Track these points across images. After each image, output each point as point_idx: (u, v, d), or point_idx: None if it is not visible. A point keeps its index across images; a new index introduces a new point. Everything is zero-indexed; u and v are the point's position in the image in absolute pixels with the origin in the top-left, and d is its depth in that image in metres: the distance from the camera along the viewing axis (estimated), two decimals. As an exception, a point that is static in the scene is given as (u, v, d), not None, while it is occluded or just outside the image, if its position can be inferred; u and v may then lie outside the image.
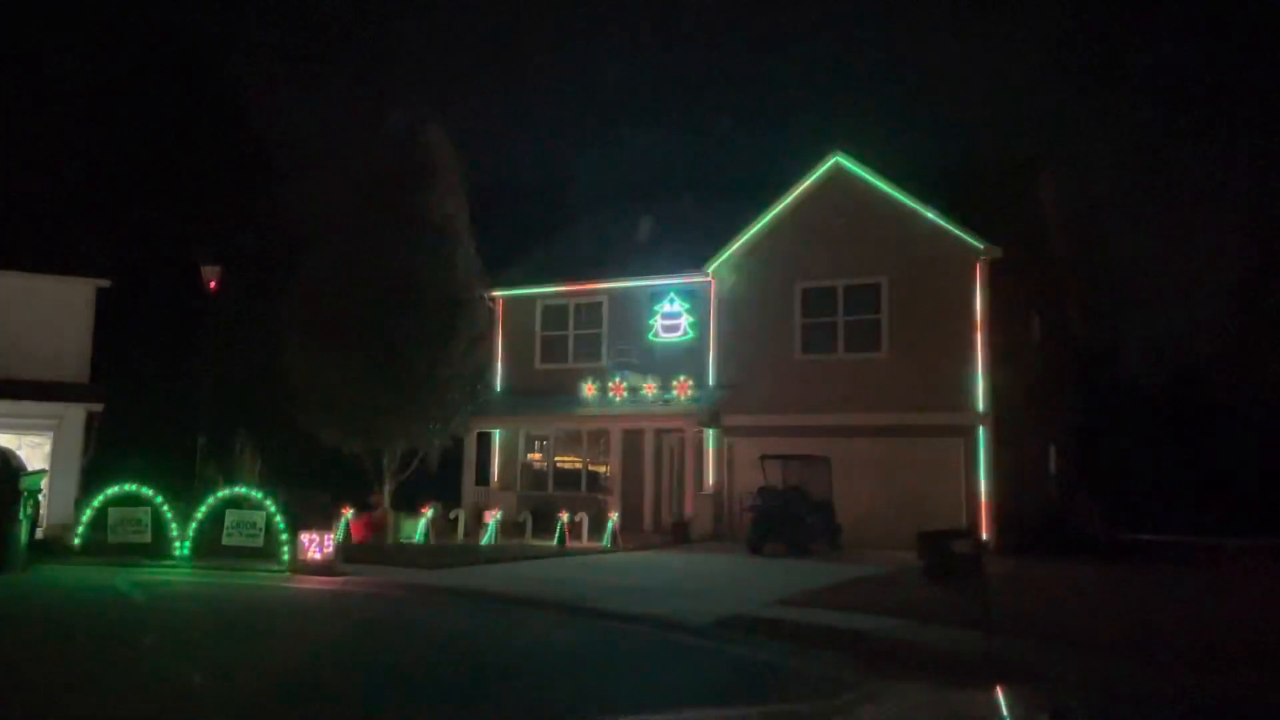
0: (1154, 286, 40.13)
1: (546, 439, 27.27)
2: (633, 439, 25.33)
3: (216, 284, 22.62)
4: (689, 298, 25.91)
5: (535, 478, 27.30)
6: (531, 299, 28.03)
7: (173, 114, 36.05)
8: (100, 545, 18.51)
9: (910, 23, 72.02)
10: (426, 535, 21.93)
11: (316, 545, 17.20)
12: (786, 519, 20.73)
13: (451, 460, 26.19)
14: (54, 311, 22.58)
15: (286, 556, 17.72)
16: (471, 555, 19.45)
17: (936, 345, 22.83)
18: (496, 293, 27.56)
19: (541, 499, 25.42)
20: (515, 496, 26.22)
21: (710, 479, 24.69)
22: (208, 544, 18.76)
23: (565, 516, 22.06)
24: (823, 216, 24.34)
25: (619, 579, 16.36)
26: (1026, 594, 14.56)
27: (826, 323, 24.19)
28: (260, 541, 18.73)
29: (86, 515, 18.82)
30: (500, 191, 39.39)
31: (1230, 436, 32.70)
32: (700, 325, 25.67)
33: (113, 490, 19.01)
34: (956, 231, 22.76)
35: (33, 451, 21.29)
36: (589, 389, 25.62)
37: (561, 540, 21.55)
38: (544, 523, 22.59)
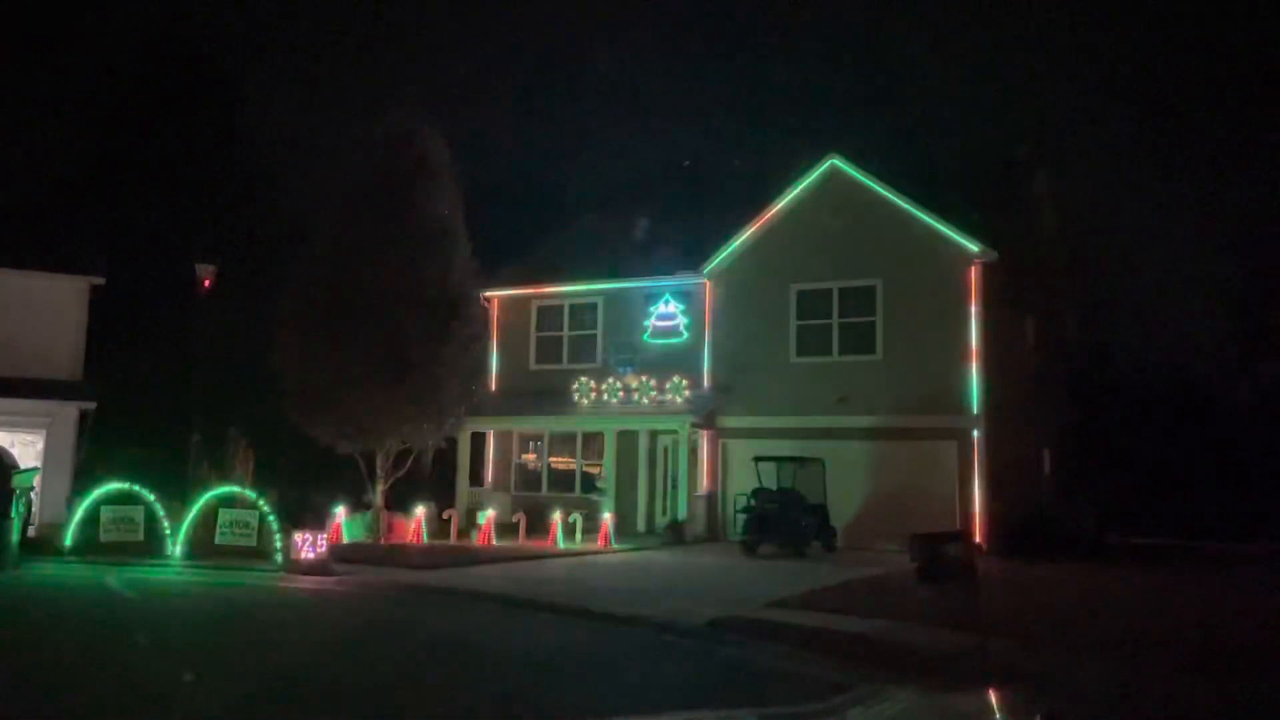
0: (1148, 289, 40.24)
1: (541, 439, 27.25)
2: (627, 440, 25.34)
3: (210, 282, 22.58)
4: (684, 299, 25.91)
5: (529, 478, 27.28)
6: (526, 299, 28.02)
7: (167, 111, 35.97)
8: (93, 544, 18.47)
9: (907, 25, 72.12)
10: (420, 535, 21.88)
11: (309, 545, 17.18)
12: (781, 521, 20.75)
13: (446, 460, 26.16)
14: (47, 309, 22.52)
15: (280, 556, 17.70)
16: (465, 555, 19.42)
17: (931, 348, 22.86)
18: (491, 293, 27.54)
19: (536, 499, 25.40)
20: (509, 497, 26.20)
21: (704, 480, 24.69)
22: (201, 543, 18.72)
23: (559, 517, 22.04)
24: (818, 218, 24.36)
25: (612, 580, 16.36)
26: (1019, 596, 14.59)
27: (821, 325, 24.20)
28: (254, 541, 18.70)
29: (79, 514, 18.77)
30: (496, 191, 39.34)
31: (1224, 439, 32.79)
32: (695, 327, 25.67)
33: (105, 489, 18.96)
34: (951, 234, 22.80)
35: (25, 449, 21.23)
36: (584, 390, 25.59)
37: (556, 541, 21.54)
38: (538, 523, 22.56)
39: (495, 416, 26.62)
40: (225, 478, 20.58)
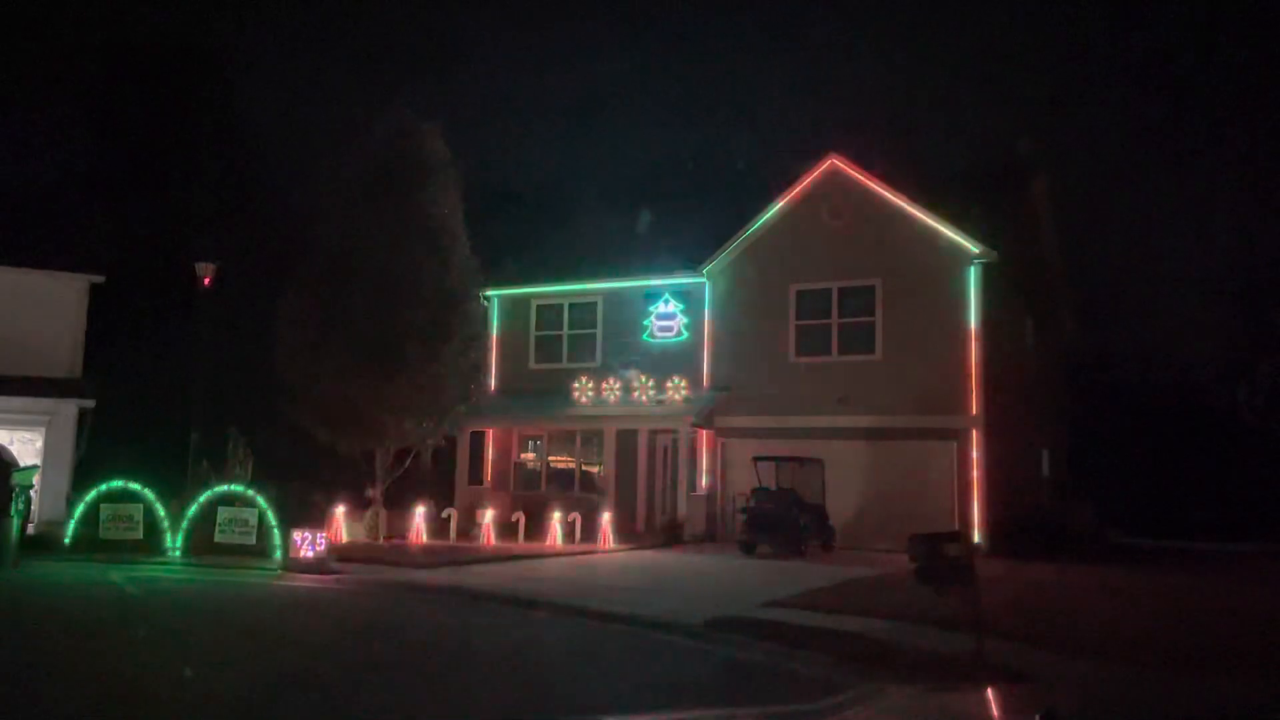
0: (1147, 289, 40.26)
1: (540, 439, 27.25)
2: (627, 439, 25.33)
3: (210, 280, 22.58)
4: (684, 299, 25.91)
5: (529, 477, 27.28)
6: (526, 299, 28.02)
7: (168, 109, 35.96)
8: (92, 542, 18.47)
9: (907, 25, 72.18)
10: (416, 534, 21.89)
11: (309, 543, 17.19)
12: (779, 520, 20.75)
13: (445, 459, 26.15)
14: (47, 307, 22.52)
15: (279, 554, 17.71)
16: (464, 554, 19.44)
17: (930, 348, 22.86)
18: (491, 292, 27.54)
19: (535, 499, 25.40)
20: (508, 496, 26.19)
21: (703, 480, 24.70)
22: (200, 541, 18.72)
23: (558, 516, 22.05)
24: (818, 218, 24.37)
25: (611, 579, 16.37)
26: (1019, 596, 14.59)
27: (821, 325, 24.21)
28: (253, 539, 18.70)
29: (78, 511, 18.78)
30: (496, 190, 39.31)
31: (1223, 439, 32.82)
32: (695, 326, 25.67)
33: (105, 486, 18.97)
34: (951, 234, 22.81)
35: (24, 447, 21.25)
36: (583, 389, 25.60)
37: (555, 540, 21.54)
38: (537, 522, 22.56)
39: (495, 416, 26.62)
40: (224, 476, 20.58)
